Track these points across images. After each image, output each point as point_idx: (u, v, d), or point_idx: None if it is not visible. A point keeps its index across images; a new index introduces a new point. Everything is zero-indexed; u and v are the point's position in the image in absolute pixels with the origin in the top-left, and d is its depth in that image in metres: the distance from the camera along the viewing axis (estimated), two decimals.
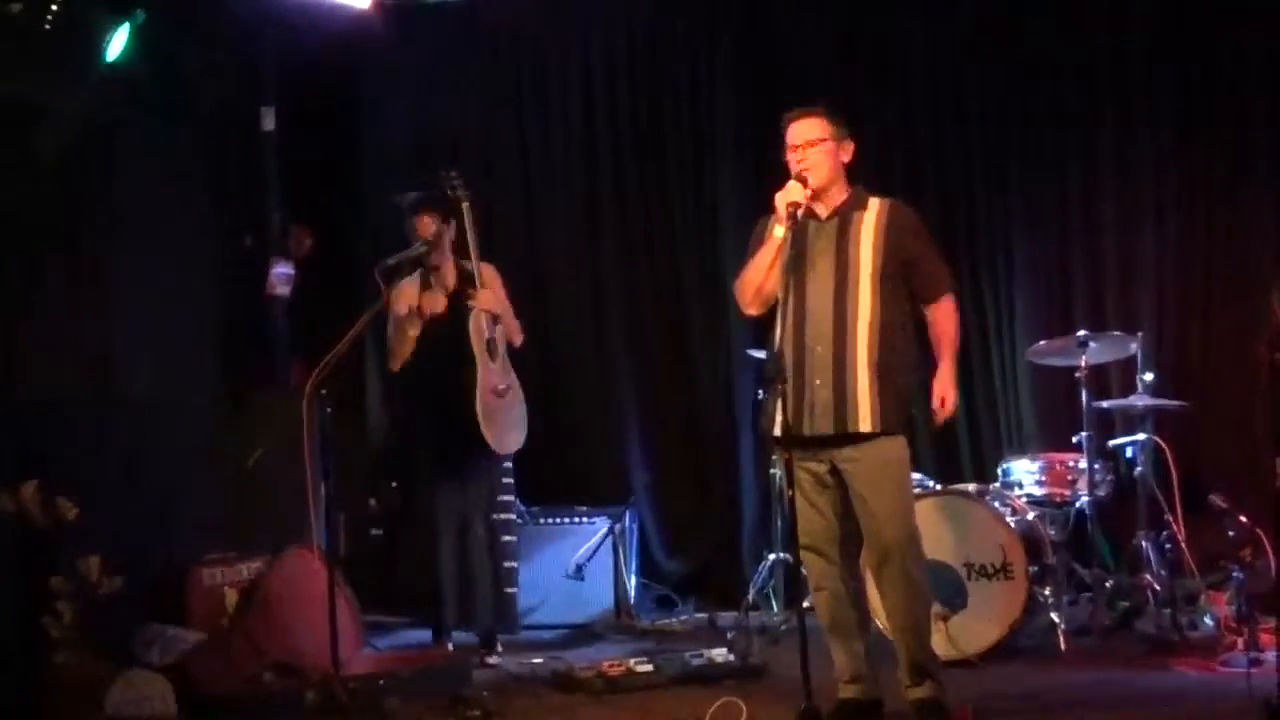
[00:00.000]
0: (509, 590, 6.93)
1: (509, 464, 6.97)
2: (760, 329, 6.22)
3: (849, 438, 5.14)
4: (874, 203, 5.28)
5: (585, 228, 8.96)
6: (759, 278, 5.24)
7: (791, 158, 5.25)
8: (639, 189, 8.98)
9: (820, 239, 5.24)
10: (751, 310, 5.36)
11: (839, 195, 5.28)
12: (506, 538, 6.94)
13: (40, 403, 6.82)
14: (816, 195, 5.23)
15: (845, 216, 5.25)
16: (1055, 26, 8.28)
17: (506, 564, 6.92)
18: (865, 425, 5.11)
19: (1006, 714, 5.27)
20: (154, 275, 7.62)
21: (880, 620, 5.62)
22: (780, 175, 5.25)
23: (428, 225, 6.80)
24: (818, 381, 5.14)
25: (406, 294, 6.79)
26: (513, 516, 7.05)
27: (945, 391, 5.28)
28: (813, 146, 5.22)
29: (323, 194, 8.66)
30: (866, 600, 5.47)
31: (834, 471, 5.21)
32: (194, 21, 7.74)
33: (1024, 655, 6.43)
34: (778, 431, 5.16)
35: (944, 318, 5.33)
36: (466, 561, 6.77)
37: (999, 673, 6.09)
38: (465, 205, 6.79)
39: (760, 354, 7.44)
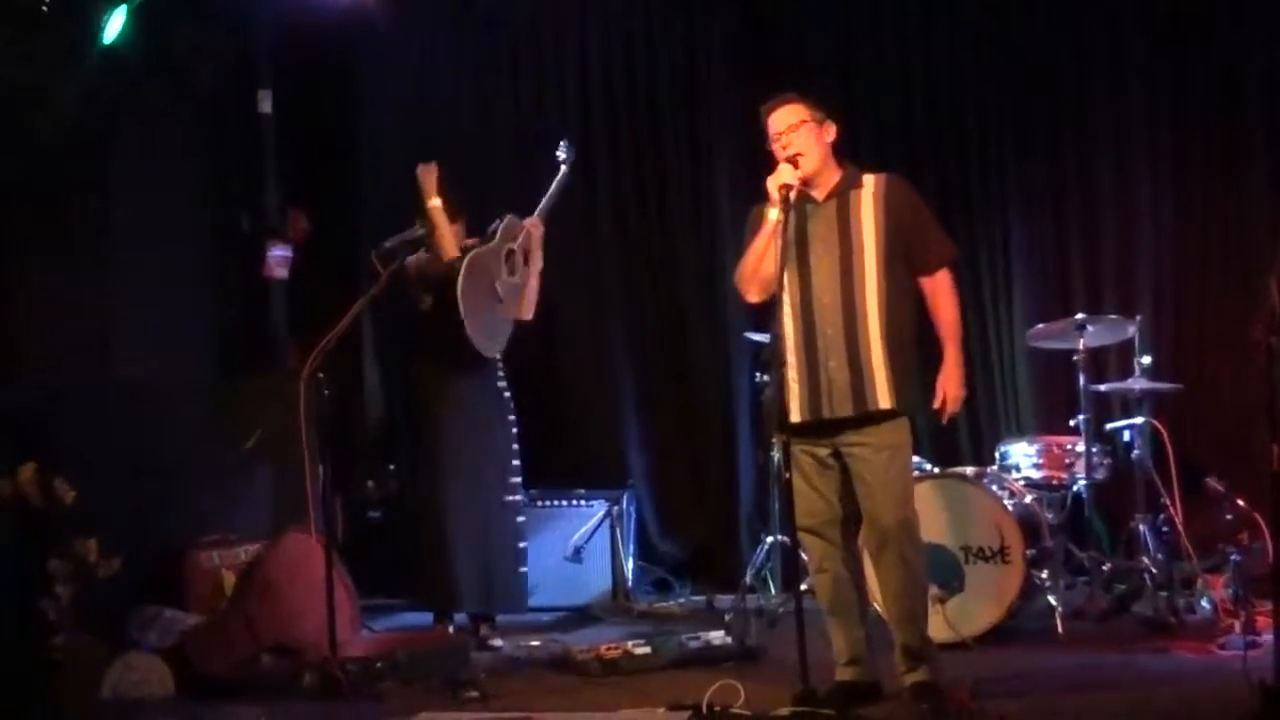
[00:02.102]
0: (523, 570, 6.93)
1: (517, 445, 6.97)
2: (757, 312, 6.21)
3: (861, 420, 5.14)
4: (869, 179, 5.27)
5: (582, 211, 8.94)
6: (757, 263, 5.24)
7: (776, 147, 5.25)
8: (636, 173, 8.97)
9: (819, 221, 5.23)
10: (753, 298, 5.34)
11: (832, 176, 5.27)
12: (520, 518, 6.95)
13: (38, 385, 6.82)
14: (809, 179, 5.22)
15: (843, 197, 5.24)
16: (1052, 11, 8.27)
17: (520, 544, 6.93)
18: (885, 402, 5.11)
19: (1003, 696, 5.25)
20: (151, 258, 7.62)
21: (876, 603, 5.63)
22: (774, 162, 5.24)
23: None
24: (832, 363, 5.14)
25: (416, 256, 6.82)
26: (522, 497, 7.05)
27: (947, 386, 5.25)
28: (794, 131, 5.22)
29: (320, 177, 8.65)
30: (865, 583, 5.48)
31: (836, 454, 5.22)
32: (191, 4, 7.72)
33: (1021, 638, 6.43)
34: (795, 417, 5.17)
35: (942, 293, 5.29)
36: (487, 540, 6.77)
37: (996, 655, 6.09)
38: (563, 170, 7.17)
39: (759, 337, 7.44)
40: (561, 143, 7.29)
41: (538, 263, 7.00)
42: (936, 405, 5.27)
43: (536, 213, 7.04)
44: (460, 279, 6.66)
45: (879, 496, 5.14)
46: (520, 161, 8.89)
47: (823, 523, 5.24)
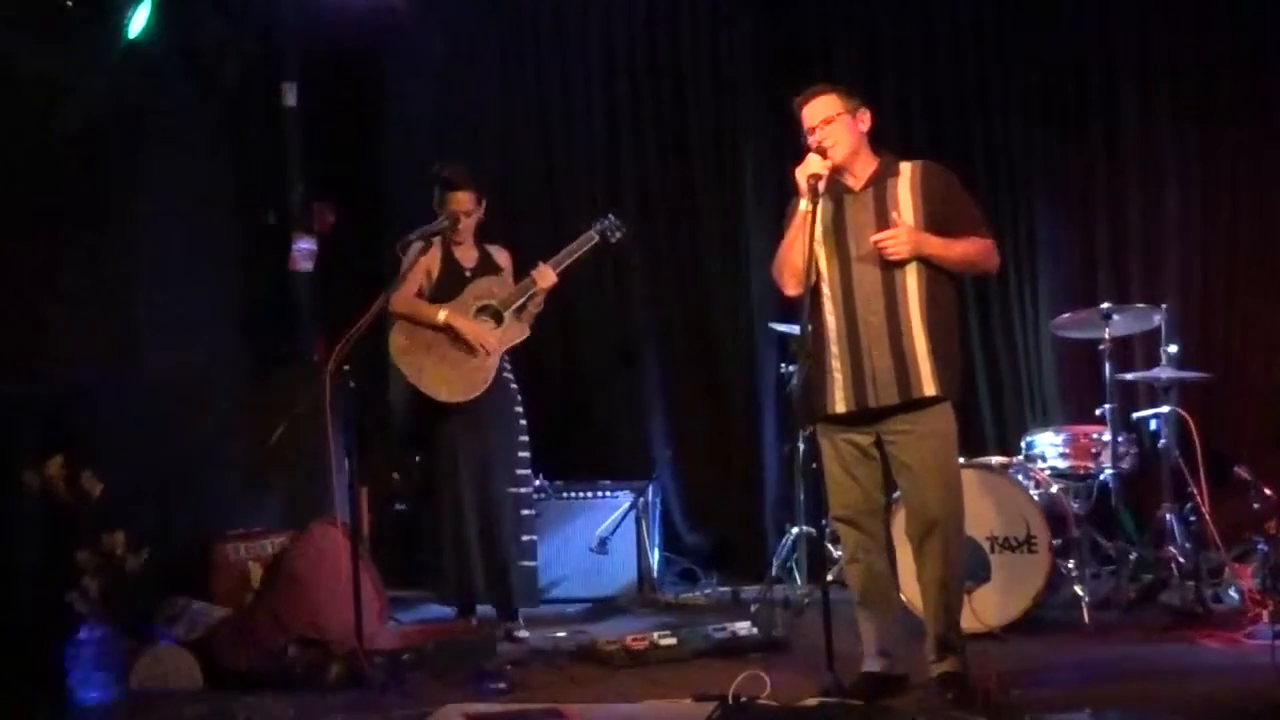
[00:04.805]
0: (525, 564, 6.91)
1: (525, 437, 6.96)
2: (782, 303, 6.20)
3: (905, 407, 5.13)
4: (905, 167, 5.26)
5: (607, 200, 8.93)
6: (790, 254, 5.25)
7: (811, 140, 5.25)
8: (660, 162, 8.98)
9: (858, 210, 5.23)
10: (790, 290, 5.32)
11: (868, 165, 5.28)
12: (525, 511, 6.93)
13: (65, 379, 6.84)
14: (843, 168, 5.23)
15: (880, 185, 5.24)
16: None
17: (525, 538, 6.91)
18: (929, 389, 5.10)
19: (1029, 686, 5.25)
20: (177, 251, 7.62)
21: (905, 592, 5.62)
22: (806, 152, 5.23)
23: (462, 200, 6.77)
24: (875, 352, 5.13)
25: (413, 253, 6.77)
26: (530, 490, 7.02)
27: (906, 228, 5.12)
28: (829, 123, 5.23)
29: (345, 169, 8.66)
30: (898, 573, 5.48)
31: (878, 443, 5.21)
32: None
33: (1048, 628, 6.42)
34: (840, 408, 5.16)
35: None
36: (484, 534, 6.77)
37: (1022, 645, 6.09)
38: (594, 241, 6.90)
39: (784, 328, 7.43)
40: (608, 218, 7.01)
41: (535, 308, 6.84)
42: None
43: (551, 262, 6.80)
44: (394, 355, 6.75)
45: (925, 485, 5.13)
46: (543, 157, 8.93)
47: (859, 513, 5.24)
